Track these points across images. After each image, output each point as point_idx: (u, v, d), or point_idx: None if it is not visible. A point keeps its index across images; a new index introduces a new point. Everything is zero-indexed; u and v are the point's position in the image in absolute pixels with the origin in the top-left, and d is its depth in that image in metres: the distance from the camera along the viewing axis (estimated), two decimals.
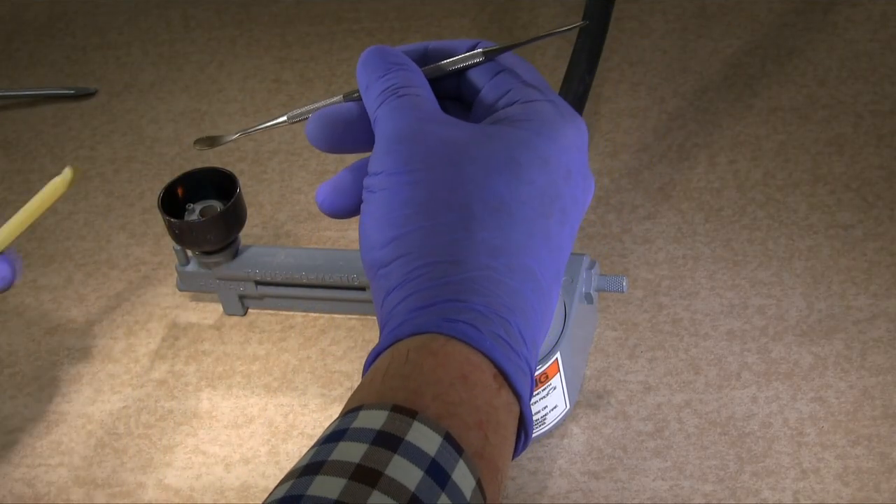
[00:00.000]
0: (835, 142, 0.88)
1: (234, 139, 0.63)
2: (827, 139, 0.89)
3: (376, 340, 0.80)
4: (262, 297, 0.82)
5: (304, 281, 0.79)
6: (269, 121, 0.61)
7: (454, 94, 0.57)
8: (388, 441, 0.44)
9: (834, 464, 0.69)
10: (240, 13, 1.12)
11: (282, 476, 0.74)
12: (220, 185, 0.78)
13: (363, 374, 0.49)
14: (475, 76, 0.56)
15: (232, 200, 0.76)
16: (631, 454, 0.71)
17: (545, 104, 0.54)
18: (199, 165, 0.80)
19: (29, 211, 0.71)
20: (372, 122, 0.54)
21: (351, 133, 0.57)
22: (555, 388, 0.71)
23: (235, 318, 0.84)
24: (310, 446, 0.46)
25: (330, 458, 0.43)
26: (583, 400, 0.74)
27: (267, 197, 0.92)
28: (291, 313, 0.83)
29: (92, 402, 0.80)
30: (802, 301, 0.78)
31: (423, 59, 0.57)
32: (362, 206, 0.53)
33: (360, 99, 0.57)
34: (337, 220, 0.89)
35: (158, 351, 0.82)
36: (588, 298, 0.73)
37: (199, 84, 1.05)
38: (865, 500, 0.67)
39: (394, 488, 0.42)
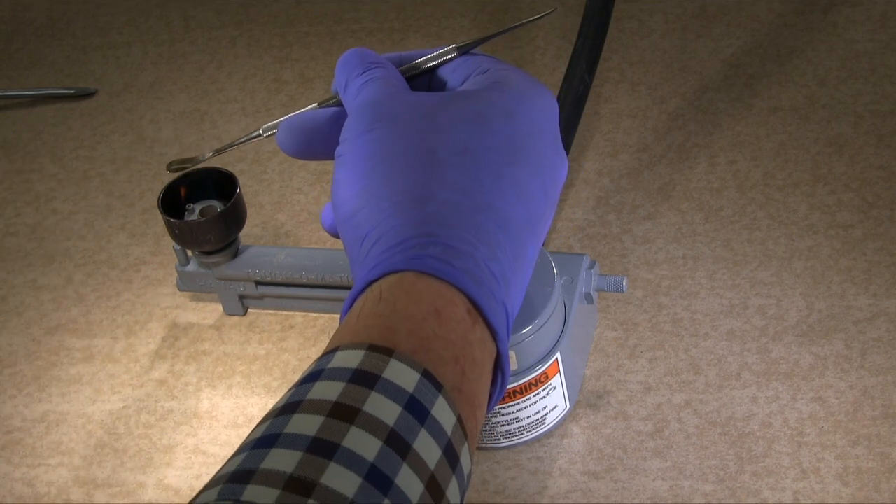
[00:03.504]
0: (835, 142, 0.88)
1: (209, 158, 0.63)
2: (827, 139, 0.89)
3: None
4: (262, 297, 0.82)
5: (304, 281, 0.79)
6: (243, 137, 0.62)
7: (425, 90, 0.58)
8: (364, 379, 0.44)
9: (834, 464, 0.69)
10: (240, 13, 1.12)
11: None
12: (220, 185, 0.78)
13: (340, 321, 0.49)
14: (445, 70, 0.57)
15: (232, 200, 0.76)
16: (631, 454, 0.71)
17: (512, 73, 0.54)
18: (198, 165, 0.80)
19: None
20: (349, 110, 0.55)
21: (322, 139, 0.57)
22: (555, 388, 0.71)
23: (235, 318, 0.84)
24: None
25: (307, 398, 0.43)
26: (583, 400, 0.74)
27: (267, 197, 0.92)
28: (291, 313, 0.83)
29: (92, 402, 0.80)
30: (802, 301, 0.78)
31: (398, 63, 0.58)
32: (333, 174, 0.53)
33: (336, 104, 0.58)
34: None
35: (158, 351, 0.82)
36: (588, 298, 0.73)
37: (199, 84, 1.05)
38: (865, 500, 0.67)
39: (372, 424, 0.42)
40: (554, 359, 0.69)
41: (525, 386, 0.69)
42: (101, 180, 0.97)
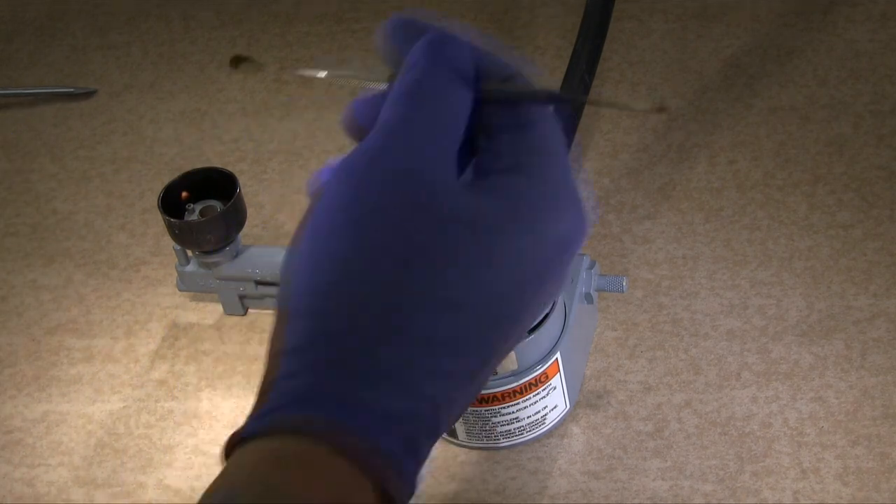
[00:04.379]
0: (835, 142, 0.88)
1: (265, 66, 0.56)
2: (827, 139, 0.89)
3: None
4: (262, 297, 0.82)
5: None
6: (310, 69, 0.53)
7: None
8: None
9: (834, 464, 0.69)
10: (240, 13, 1.12)
11: None
12: (220, 185, 0.78)
13: (229, 444, 0.42)
14: (509, 114, 0.46)
15: (232, 200, 0.76)
16: (631, 454, 0.71)
17: (557, 188, 0.44)
18: (199, 165, 0.80)
19: None
20: (384, 105, 0.47)
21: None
22: (555, 388, 0.71)
23: (235, 318, 0.84)
24: None
25: None
26: (583, 400, 0.74)
27: (267, 197, 0.92)
28: None
29: (92, 402, 0.80)
30: (802, 301, 0.78)
31: (482, 65, 0.48)
32: (309, 208, 0.45)
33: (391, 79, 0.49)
34: None
35: (158, 351, 0.82)
36: (588, 298, 0.73)
37: (199, 84, 1.05)
38: (865, 500, 0.67)
39: None
40: (554, 359, 0.69)
41: (525, 386, 0.69)
42: (101, 180, 0.97)
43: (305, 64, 1.04)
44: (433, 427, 0.42)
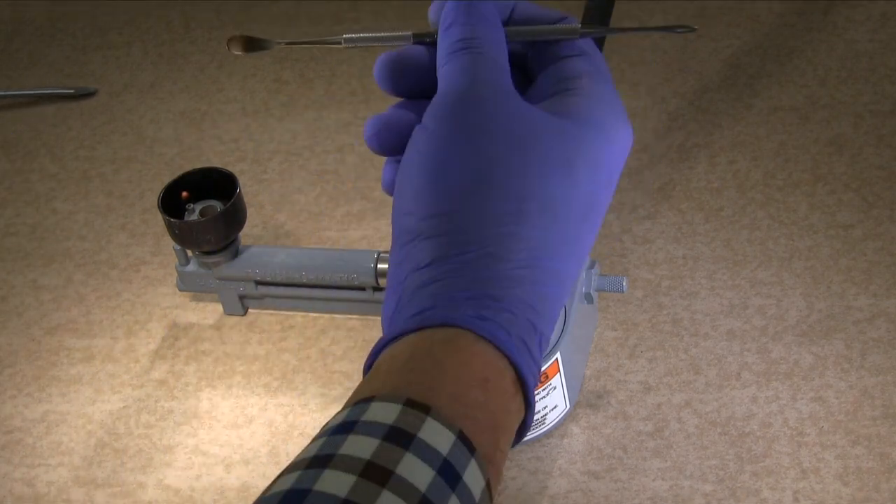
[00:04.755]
0: (835, 142, 0.88)
1: (279, 44, 0.57)
2: (827, 139, 0.89)
3: (376, 340, 0.80)
4: (262, 297, 0.82)
5: (304, 281, 0.79)
6: (324, 38, 0.56)
7: (520, 60, 0.54)
8: (399, 437, 0.42)
9: (834, 464, 0.69)
10: (240, 13, 1.12)
11: None
12: (220, 185, 0.78)
13: (374, 353, 0.47)
14: (554, 50, 0.52)
15: (232, 200, 0.76)
16: (631, 454, 0.71)
17: (608, 103, 0.51)
18: (198, 165, 0.80)
19: None
20: (439, 66, 0.51)
21: (421, 78, 0.53)
22: (555, 388, 0.71)
23: (235, 318, 0.84)
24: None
25: (339, 452, 0.42)
26: (583, 400, 0.74)
27: (267, 197, 0.92)
28: (291, 313, 0.83)
29: (92, 402, 0.80)
30: (802, 301, 0.78)
31: (509, 18, 0.53)
32: (406, 157, 0.49)
33: (430, 42, 0.54)
34: (337, 220, 0.89)
35: (158, 351, 0.82)
36: (588, 298, 0.73)
37: (199, 84, 1.05)
38: (865, 500, 0.67)
39: (404, 488, 0.41)
40: (554, 359, 0.69)
41: None
42: (101, 180, 0.97)
43: (304, 64, 1.05)
44: (543, 328, 0.48)
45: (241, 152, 0.96)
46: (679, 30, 0.53)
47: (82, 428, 0.78)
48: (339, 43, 0.55)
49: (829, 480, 0.68)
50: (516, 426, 0.47)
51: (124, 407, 0.79)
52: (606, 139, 0.50)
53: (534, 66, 0.53)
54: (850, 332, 0.76)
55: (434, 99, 0.50)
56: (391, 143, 0.51)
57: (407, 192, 0.48)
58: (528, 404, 0.47)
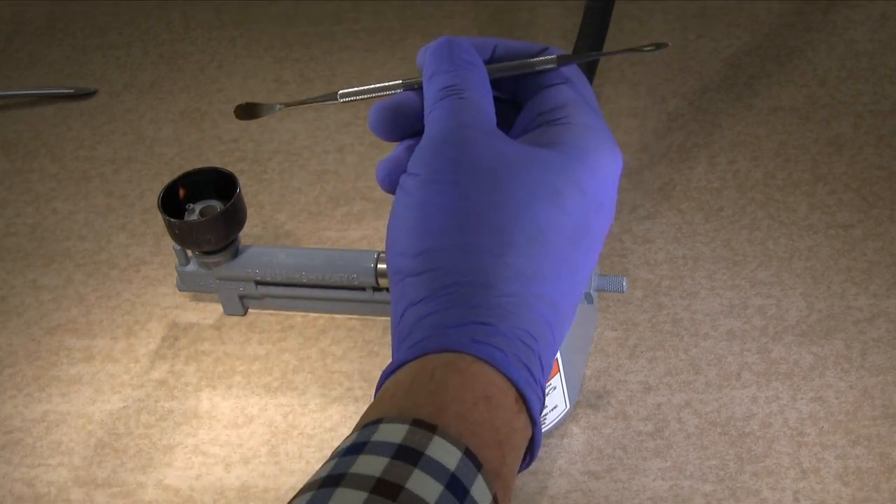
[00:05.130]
0: (835, 142, 0.88)
1: (278, 111, 0.60)
2: (827, 139, 0.89)
3: (376, 340, 0.80)
4: (262, 297, 0.82)
5: (304, 281, 0.79)
6: (320, 96, 0.59)
7: (509, 94, 0.57)
8: (408, 455, 0.44)
9: (834, 464, 0.69)
10: (240, 13, 1.12)
11: (281, 475, 0.74)
12: (220, 185, 0.78)
13: (379, 384, 0.49)
14: (538, 80, 0.55)
15: (232, 200, 0.76)
16: (631, 454, 0.71)
17: (592, 130, 0.53)
18: (198, 165, 0.80)
19: None
20: (426, 114, 0.54)
21: (413, 123, 0.56)
22: (555, 388, 0.71)
23: (235, 318, 0.84)
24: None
25: (350, 471, 0.43)
26: (583, 400, 0.74)
27: (267, 197, 0.92)
28: (291, 313, 0.83)
29: (92, 402, 0.80)
30: (802, 301, 0.78)
31: (491, 56, 0.56)
32: (395, 203, 0.52)
33: (418, 88, 0.56)
34: (337, 220, 0.89)
35: (158, 351, 0.82)
36: (588, 298, 0.73)
37: (199, 84, 1.05)
38: (865, 500, 0.67)
39: (414, 503, 0.42)
40: (554, 359, 0.69)
41: None
42: (101, 180, 0.97)
43: (304, 64, 1.04)
44: (541, 351, 0.49)
45: (241, 152, 0.96)
46: (648, 48, 0.54)
47: (82, 428, 0.78)
48: (336, 100, 0.58)
49: (829, 480, 0.68)
50: (523, 444, 0.48)
51: (124, 407, 0.79)
52: (593, 166, 0.51)
53: (521, 96, 0.56)
54: (850, 332, 0.76)
55: (420, 144, 0.52)
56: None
57: (398, 233, 0.51)
58: (534, 422, 0.48)
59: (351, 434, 0.46)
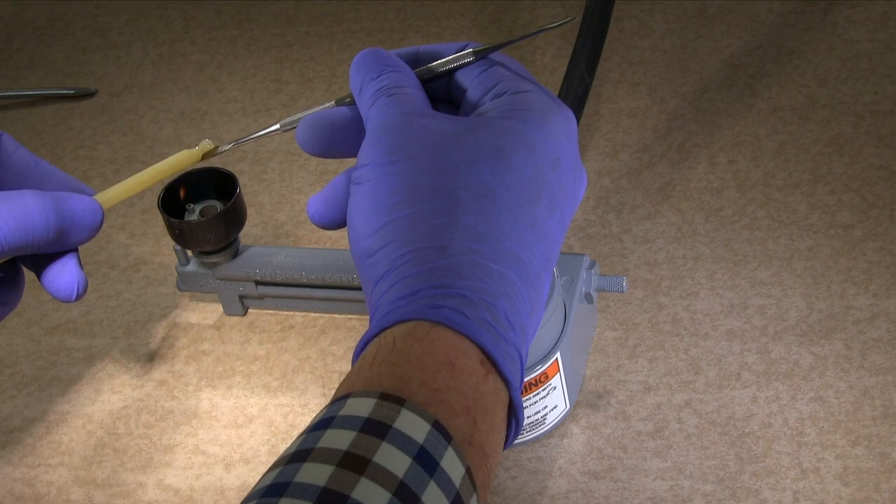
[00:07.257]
0: (835, 142, 0.88)
1: (228, 149, 0.64)
2: (827, 139, 0.89)
3: None
4: (262, 297, 0.82)
5: (304, 281, 0.79)
6: (261, 130, 0.62)
7: (445, 96, 0.58)
8: (375, 428, 0.44)
9: (834, 464, 0.69)
10: (240, 13, 1.12)
11: None
12: (220, 185, 0.78)
13: (352, 363, 0.49)
14: (464, 76, 0.57)
15: (232, 200, 0.76)
16: (631, 454, 0.71)
17: (532, 94, 0.54)
18: (198, 165, 0.80)
19: (147, 175, 0.67)
20: (365, 121, 0.55)
21: (342, 137, 0.57)
22: (555, 388, 0.71)
23: (235, 318, 0.84)
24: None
25: (318, 446, 0.43)
26: (583, 400, 0.74)
27: (267, 197, 0.92)
28: (291, 313, 0.83)
29: (92, 402, 0.80)
30: (802, 301, 0.78)
31: (415, 61, 0.57)
32: (350, 198, 0.53)
33: (352, 103, 0.57)
34: None
35: (158, 351, 0.82)
36: (588, 298, 0.73)
37: (199, 84, 1.05)
38: (865, 500, 0.67)
39: (381, 475, 0.42)
40: (554, 359, 0.69)
41: (525, 386, 0.69)
42: (101, 180, 0.97)
43: (304, 64, 1.04)
44: (506, 308, 0.49)
45: (241, 152, 0.96)
46: (556, 24, 0.57)
47: (82, 428, 0.78)
48: (278, 129, 0.61)
49: (829, 480, 0.68)
50: (497, 407, 0.48)
51: (124, 407, 0.79)
52: (540, 122, 0.52)
53: (455, 93, 0.57)
54: (850, 332, 0.76)
55: (364, 140, 0.54)
56: (330, 216, 0.56)
57: (353, 219, 0.52)
58: (507, 383, 0.48)
59: (321, 411, 0.46)
